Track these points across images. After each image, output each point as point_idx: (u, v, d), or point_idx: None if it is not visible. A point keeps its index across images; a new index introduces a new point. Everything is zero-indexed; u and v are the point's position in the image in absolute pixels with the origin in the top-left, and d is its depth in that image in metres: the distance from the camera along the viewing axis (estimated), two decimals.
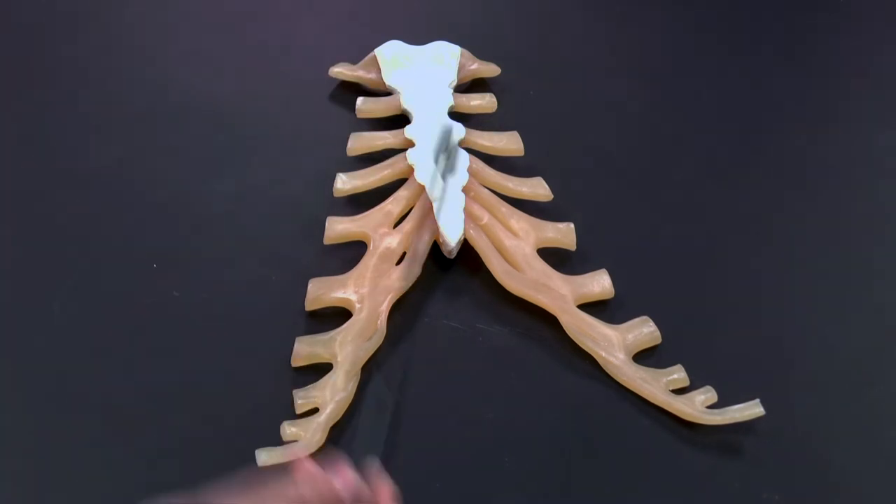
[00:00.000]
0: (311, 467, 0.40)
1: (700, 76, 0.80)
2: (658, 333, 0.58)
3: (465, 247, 0.61)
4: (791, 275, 0.64)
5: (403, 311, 0.59)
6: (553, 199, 0.65)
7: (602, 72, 0.80)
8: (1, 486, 0.50)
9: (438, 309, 0.60)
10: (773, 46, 0.84)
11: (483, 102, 0.72)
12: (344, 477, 0.40)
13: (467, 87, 0.76)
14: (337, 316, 0.58)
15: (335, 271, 0.60)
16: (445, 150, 0.62)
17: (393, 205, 0.63)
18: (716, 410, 0.53)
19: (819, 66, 0.82)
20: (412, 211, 0.62)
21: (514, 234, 0.62)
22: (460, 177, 0.63)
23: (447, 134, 0.63)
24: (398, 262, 0.60)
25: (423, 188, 0.63)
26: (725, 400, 0.54)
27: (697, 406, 0.54)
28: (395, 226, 0.62)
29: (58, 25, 0.71)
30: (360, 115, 0.71)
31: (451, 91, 0.72)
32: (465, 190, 0.63)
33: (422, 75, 0.73)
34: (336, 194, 0.64)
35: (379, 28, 0.79)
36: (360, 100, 0.72)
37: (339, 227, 0.61)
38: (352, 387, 0.54)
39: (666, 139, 0.74)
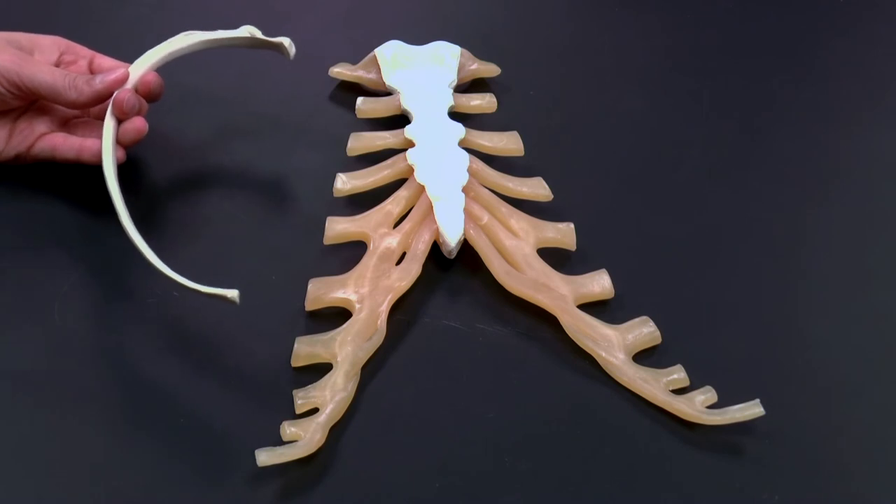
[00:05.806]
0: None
1: (700, 76, 0.80)
2: (658, 333, 0.58)
3: (465, 247, 0.61)
4: (792, 275, 0.64)
5: (403, 311, 0.59)
6: (553, 199, 0.65)
7: (602, 72, 0.80)
8: (0, 486, 0.50)
9: (438, 309, 0.60)
10: (774, 46, 0.84)
11: (483, 102, 0.72)
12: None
13: (467, 87, 0.76)
14: (337, 316, 0.58)
15: (335, 271, 0.60)
16: None
17: (393, 205, 0.63)
18: (716, 410, 0.53)
19: (819, 66, 0.82)
20: (412, 211, 0.62)
21: (514, 234, 0.62)
22: (460, 177, 0.63)
23: None
24: (398, 262, 0.60)
25: (423, 188, 0.63)
26: (725, 400, 0.54)
27: (697, 406, 0.54)
28: (395, 226, 0.62)
29: (58, 25, 0.71)
30: (359, 115, 0.71)
31: (451, 91, 0.72)
32: (465, 190, 0.63)
33: (422, 75, 0.73)
34: (336, 194, 0.64)
35: (379, 28, 0.79)
36: (359, 100, 0.72)
37: (339, 227, 0.61)
38: (352, 387, 0.54)
39: (666, 139, 0.74)
